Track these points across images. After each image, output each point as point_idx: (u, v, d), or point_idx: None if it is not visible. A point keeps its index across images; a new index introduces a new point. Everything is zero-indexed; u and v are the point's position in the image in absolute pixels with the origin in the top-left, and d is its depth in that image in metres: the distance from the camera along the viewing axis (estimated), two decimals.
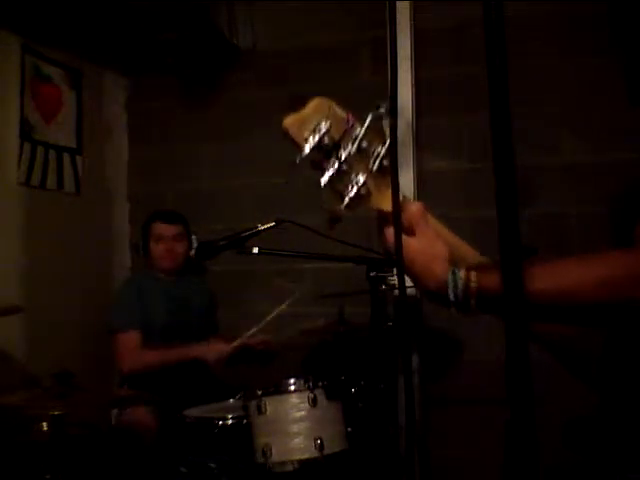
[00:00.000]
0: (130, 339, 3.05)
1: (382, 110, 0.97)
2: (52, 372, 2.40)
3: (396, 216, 0.92)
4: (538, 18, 3.24)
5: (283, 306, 2.92)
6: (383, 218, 1.03)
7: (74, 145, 3.62)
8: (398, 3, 3.05)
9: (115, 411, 2.91)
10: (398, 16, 3.04)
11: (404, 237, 1.02)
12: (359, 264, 2.56)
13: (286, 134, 0.96)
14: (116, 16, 3.34)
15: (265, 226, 2.44)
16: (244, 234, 2.42)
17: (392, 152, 0.95)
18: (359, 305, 2.92)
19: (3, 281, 3.06)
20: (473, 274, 1.00)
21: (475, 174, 3.24)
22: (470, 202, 3.30)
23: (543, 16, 3.24)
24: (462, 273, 1.01)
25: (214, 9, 3.57)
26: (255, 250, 2.37)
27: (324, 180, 0.97)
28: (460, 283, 1.00)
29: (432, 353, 3.30)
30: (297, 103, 0.98)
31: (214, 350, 2.99)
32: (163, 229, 3.28)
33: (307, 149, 0.95)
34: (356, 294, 2.82)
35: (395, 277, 2.60)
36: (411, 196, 3.06)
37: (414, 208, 1.04)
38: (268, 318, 2.93)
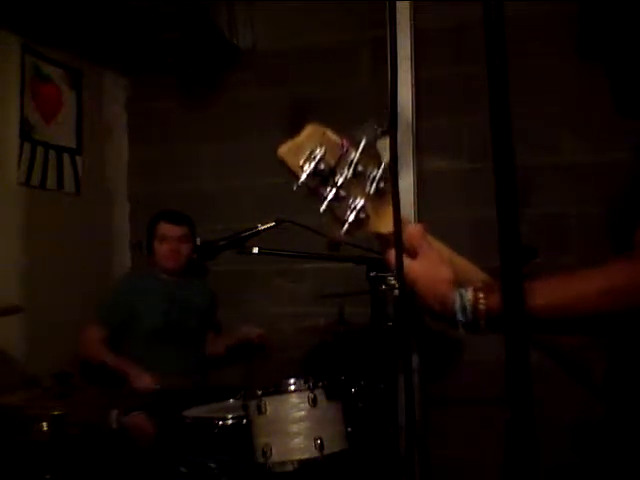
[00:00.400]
0: (93, 331, 3.13)
1: (377, 128, 0.98)
2: (52, 372, 2.40)
3: (397, 220, 0.92)
4: (538, 18, 3.24)
5: None
6: (383, 241, 1.04)
7: (74, 145, 3.62)
8: (398, 3, 3.05)
9: (115, 412, 2.91)
10: (398, 16, 3.04)
11: (406, 260, 1.03)
12: (359, 264, 2.56)
13: (282, 162, 0.97)
14: (116, 16, 3.34)
15: (265, 226, 2.44)
16: (244, 234, 2.43)
17: (392, 151, 0.94)
18: (359, 305, 2.92)
19: (3, 281, 3.06)
20: (481, 295, 1.00)
21: (475, 174, 3.24)
22: (470, 202, 3.30)
23: (543, 16, 3.24)
24: (470, 294, 1.01)
25: (214, 9, 3.57)
26: (255, 250, 2.37)
27: (323, 207, 0.97)
28: (468, 304, 1.00)
29: (432, 353, 3.30)
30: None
31: (143, 382, 2.96)
32: (168, 230, 3.28)
33: (303, 176, 0.96)
34: (356, 294, 2.82)
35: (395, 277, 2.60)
36: (411, 196, 3.06)
37: (413, 230, 1.05)
38: None
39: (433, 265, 1.04)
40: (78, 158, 3.63)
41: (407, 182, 2.97)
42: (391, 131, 0.93)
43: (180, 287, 3.33)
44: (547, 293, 1.00)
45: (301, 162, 0.97)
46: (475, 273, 1.08)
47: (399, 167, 0.94)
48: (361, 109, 3.25)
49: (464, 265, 1.09)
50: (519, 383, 0.67)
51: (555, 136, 3.26)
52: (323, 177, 0.97)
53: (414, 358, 3.14)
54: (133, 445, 2.70)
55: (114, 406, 2.51)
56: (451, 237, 1.11)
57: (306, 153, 0.97)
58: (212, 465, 2.34)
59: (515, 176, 0.67)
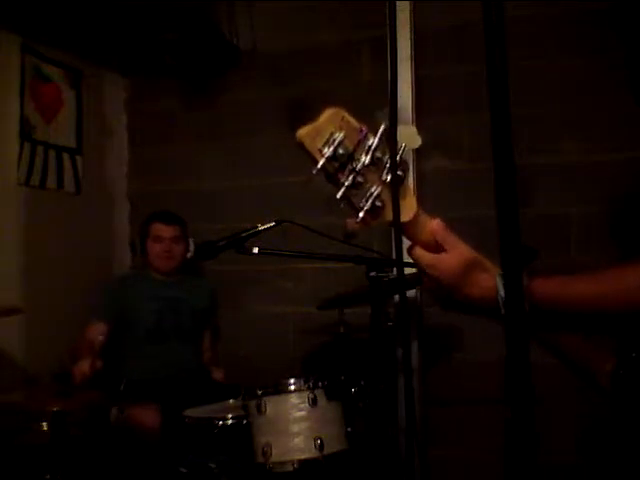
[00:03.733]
0: (93, 327, 3.08)
1: (381, 116, 0.97)
2: (52, 372, 2.40)
3: (396, 218, 0.92)
4: (538, 18, 3.24)
5: None
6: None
7: (74, 145, 3.62)
8: (398, 3, 3.05)
9: (114, 410, 2.91)
10: (398, 16, 3.04)
11: (437, 256, 1.04)
12: (359, 264, 2.56)
13: (300, 146, 0.94)
14: (116, 16, 3.34)
15: (265, 226, 2.44)
16: (244, 234, 2.42)
17: (392, 151, 0.95)
18: (359, 305, 2.92)
19: (3, 281, 3.06)
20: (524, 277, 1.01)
21: (475, 174, 3.23)
22: (470, 202, 3.30)
23: (543, 16, 3.24)
24: None
25: (214, 9, 3.57)
26: (255, 250, 2.36)
27: (340, 193, 0.95)
28: None
29: (432, 353, 3.30)
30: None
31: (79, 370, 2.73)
32: (162, 230, 3.29)
33: (322, 160, 0.94)
34: (356, 294, 2.82)
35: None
36: None
37: (437, 224, 1.05)
38: None
39: (467, 256, 1.05)
40: (78, 158, 3.63)
41: (407, 182, 2.97)
42: (391, 131, 0.94)
43: (173, 287, 3.34)
44: (569, 290, 1.01)
45: (320, 146, 0.94)
46: (491, 264, 1.08)
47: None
48: (361, 109, 3.24)
49: (484, 259, 1.09)
50: (519, 383, 0.67)
51: (555, 136, 3.25)
52: (341, 162, 0.95)
53: (414, 358, 3.14)
54: (136, 439, 2.69)
55: (114, 404, 2.51)
56: None
57: (325, 137, 0.95)
58: (212, 465, 2.34)
59: (515, 176, 0.67)
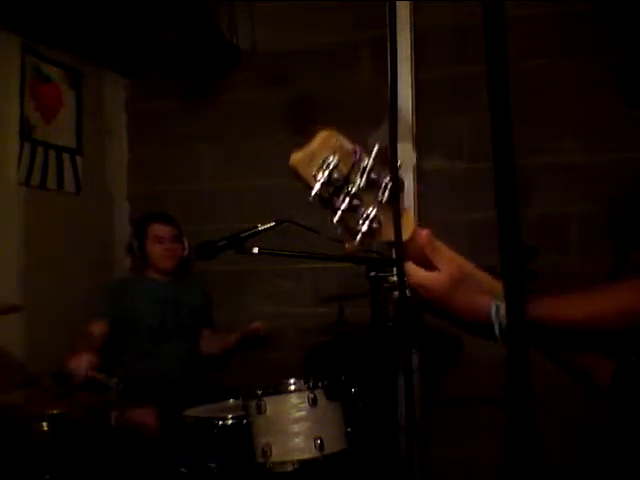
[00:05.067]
0: (93, 326, 3.11)
1: (375, 138, 0.96)
2: (51, 372, 2.40)
3: (396, 217, 0.92)
4: (538, 18, 3.24)
5: None
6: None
7: (74, 145, 3.62)
8: (398, 3, 3.05)
9: (114, 410, 2.91)
10: (398, 16, 3.04)
11: (426, 275, 1.02)
12: (359, 264, 2.56)
13: (294, 172, 0.93)
14: (116, 16, 3.34)
15: (265, 226, 2.44)
16: (244, 234, 2.43)
17: (392, 151, 0.94)
18: (359, 305, 2.92)
19: (3, 281, 3.06)
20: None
21: (475, 174, 3.24)
22: (470, 202, 3.30)
23: (543, 16, 3.24)
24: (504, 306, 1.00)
25: (214, 9, 3.57)
26: (255, 250, 2.36)
27: (336, 218, 0.94)
28: (504, 316, 0.99)
29: (432, 353, 3.30)
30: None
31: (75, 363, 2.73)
32: (162, 230, 3.30)
33: (317, 186, 0.92)
34: (356, 294, 2.82)
35: (395, 277, 2.60)
36: (411, 197, 3.06)
37: (422, 236, 1.02)
38: None
39: (455, 274, 1.02)
40: (78, 158, 3.63)
41: (407, 182, 2.97)
42: (391, 131, 0.93)
43: (172, 287, 3.35)
44: (571, 307, 1.01)
45: (314, 171, 0.92)
46: (485, 278, 1.06)
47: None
48: (361, 109, 3.25)
49: (473, 269, 1.07)
50: (519, 383, 0.67)
51: (555, 136, 3.25)
52: (336, 186, 0.93)
53: (414, 358, 3.14)
54: (136, 440, 2.69)
55: (114, 405, 2.51)
56: (451, 237, 1.10)
57: (319, 162, 0.92)
58: (212, 465, 2.34)
59: (515, 176, 0.67)
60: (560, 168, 3.24)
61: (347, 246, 0.97)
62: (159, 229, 3.31)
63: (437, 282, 1.02)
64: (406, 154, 3.04)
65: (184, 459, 2.37)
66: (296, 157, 0.92)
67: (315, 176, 0.92)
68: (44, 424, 2.21)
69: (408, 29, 3.14)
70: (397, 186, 0.92)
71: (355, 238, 0.96)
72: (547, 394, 1.77)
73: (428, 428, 3.25)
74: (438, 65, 3.41)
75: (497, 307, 0.99)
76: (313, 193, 0.92)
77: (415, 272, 1.02)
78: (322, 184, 0.92)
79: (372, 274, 2.52)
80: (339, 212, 0.94)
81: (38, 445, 2.24)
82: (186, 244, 3.42)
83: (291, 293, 3.65)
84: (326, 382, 2.20)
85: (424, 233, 1.02)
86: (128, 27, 3.45)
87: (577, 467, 2.96)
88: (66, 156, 3.55)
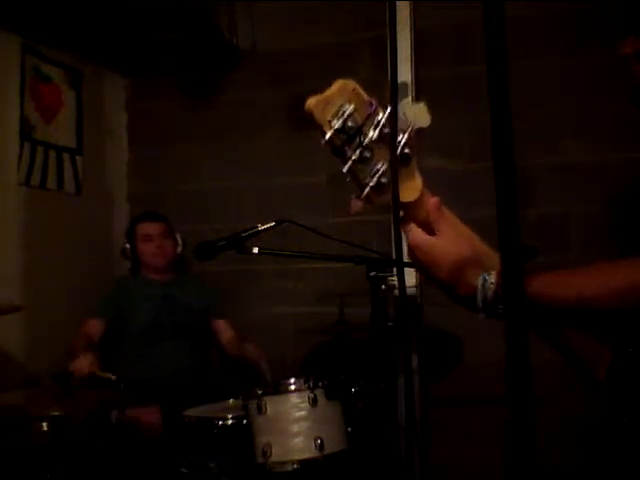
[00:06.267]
0: (89, 324, 3.14)
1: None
2: (52, 372, 2.40)
3: (396, 216, 0.92)
4: (538, 18, 3.24)
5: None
6: (404, 210, 1.01)
7: (74, 145, 3.62)
8: (398, 3, 3.05)
9: (115, 410, 2.91)
10: (398, 16, 3.04)
11: (428, 238, 1.01)
12: (359, 264, 2.56)
13: (310, 115, 0.93)
14: (116, 16, 3.34)
15: (265, 226, 2.44)
16: (244, 234, 2.42)
17: (392, 151, 0.95)
18: (359, 305, 2.91)
19: (3, 281, 3.06)
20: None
21: (475, 174, 3.24)
22: (470, 202, 3.29)
23: (544, 16, 3.24)
24: (493, 278, 0.98)
25: (214, 9, 3.56)
26: (255, 250, 2.37)
27: (346, 167, 0.94)
28: (490, 289, 0.98)
29: (432, 353, 3.30)
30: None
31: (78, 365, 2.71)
32: (150, 228, 3.32)
33: (330, 132, 0.92)
34: (356, 294, 2.82)
35: (395, 277, 2.60)
36: None
37: (430, 203, 1.03)
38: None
39: (455, 243, 1.02)
40: (78, 158, 3.63)
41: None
42: (391, 131, 0.93)
43: (167, 286, 3.35)
44: (576, 284, 1.00)
45: (329, 117, 0.93)
46: (493, 255, 1.04)
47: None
48: None
49: (479, 243, 1.06)
50: (519, 383, 0.67)
51: (555, 136, 3.25)
52: (349, 135, 0.93)
53: (414, 358, 3.14)
54: (138, 439, 2.69)
55: (115, 404, 2.51)
56: None
57: (335, 108, 0.93)
58: (212, 465, 2.33)
59: (515, 176, 0.67)
60: (560, 168, 3.24)
61: (352, 204, 0.97)
62: (146, 227, 3.33)
63: (434, 247, 1.01)
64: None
65: (184, 459, 2.37)
66: (312, 102, 0.93)
67: (330, 122, 0.92)
68: (44, 424, 2.21)
69: (408, 29, 3.14)
70: (397, 186, 0.92)
71: (362, 192, 0.95)
72: (547, 394, 1.78)
73: (428, 428, 3.25)
74: (438, 65, 3.41)
75: (484, 279, 0.99)
76: (327, 137, 0.92)
77: (415, 233, 1.02)
78: (335, 131, 0.92)
79: (372, 274, 2.52)
80: (349, 162, 0.93)
81: (38, 445, 2.23)
82: (179, 240, 3.41)
83: (291, 293, 3.65)
84: (326, 382, 2.20)
85: (433, 200, 1.04)
86: (128, 27, 3.45)
87: (577, 467, 2.96)
88: (66, 156, 3.55)
